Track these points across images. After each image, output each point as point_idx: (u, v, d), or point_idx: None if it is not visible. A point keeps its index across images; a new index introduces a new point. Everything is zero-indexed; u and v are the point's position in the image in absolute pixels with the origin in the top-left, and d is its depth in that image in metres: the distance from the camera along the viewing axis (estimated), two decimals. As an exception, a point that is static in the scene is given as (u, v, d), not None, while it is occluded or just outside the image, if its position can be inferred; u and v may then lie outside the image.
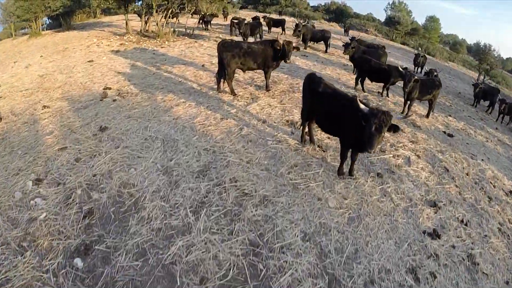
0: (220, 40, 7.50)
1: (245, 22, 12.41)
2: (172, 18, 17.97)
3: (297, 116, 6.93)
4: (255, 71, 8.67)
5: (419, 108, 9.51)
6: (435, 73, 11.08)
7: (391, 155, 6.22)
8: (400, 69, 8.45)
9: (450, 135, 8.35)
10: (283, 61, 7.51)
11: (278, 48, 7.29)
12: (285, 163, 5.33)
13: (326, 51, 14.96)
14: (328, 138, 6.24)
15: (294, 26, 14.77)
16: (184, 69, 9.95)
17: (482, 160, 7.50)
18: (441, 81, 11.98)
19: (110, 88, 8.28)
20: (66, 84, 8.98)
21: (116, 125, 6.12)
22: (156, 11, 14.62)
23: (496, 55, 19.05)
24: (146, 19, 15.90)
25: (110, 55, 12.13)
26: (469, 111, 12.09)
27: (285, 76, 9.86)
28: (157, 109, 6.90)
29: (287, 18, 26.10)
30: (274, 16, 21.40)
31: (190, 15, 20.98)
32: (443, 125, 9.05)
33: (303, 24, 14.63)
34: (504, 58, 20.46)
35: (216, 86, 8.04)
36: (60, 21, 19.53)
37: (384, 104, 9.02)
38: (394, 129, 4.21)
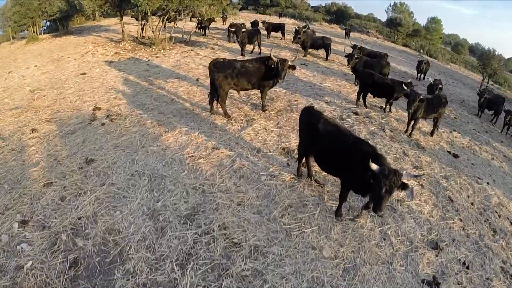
0: (212, 60, 7.08)
1: (243, 30, 11.91)
2: (170, 22, 17.50)
3: (294, 142, 6.56)
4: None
5: (423, 124, 9.06)
6: (440, 86, 10.58)
7: None
8: (405, 87, 7.99)
9: (455, 156, 7.95)
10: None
11: (272, 66, 6.85)
12: (279, 204, 4.97)
13: (326, 59, 14.47)
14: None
15: (294, 32, 14.26)
16: (178, 84, 9.55)
17: (488, 183, 7.14)
18: (444, 88, 11.64)
19: (99, 109, 7.99)
20: (56, 103, 8.70)
21: (103, 156, 5.81)
22: (152, 18, 14.15)
23: (500, 60, 18.39)
24: (142, 24, 15.43)
25: (104, 66, 11.80)
26: (474, 123, 11.62)
27: (283, 91, 9.44)
28: (145, 136, 6.57)
29: (287, 20, 25.57)
30: (274, 20, 20.77)
31: (189, 19, 20.48)
32: (448, 143, 8.63)
33: (303, 30, 14.11)
34: (506, 58, 19.81)
35: (209, 107, 7.64)
36: (52, 27, 19.13)
37: (387, 121, 8.59)
38: (403, 187, 3.76)
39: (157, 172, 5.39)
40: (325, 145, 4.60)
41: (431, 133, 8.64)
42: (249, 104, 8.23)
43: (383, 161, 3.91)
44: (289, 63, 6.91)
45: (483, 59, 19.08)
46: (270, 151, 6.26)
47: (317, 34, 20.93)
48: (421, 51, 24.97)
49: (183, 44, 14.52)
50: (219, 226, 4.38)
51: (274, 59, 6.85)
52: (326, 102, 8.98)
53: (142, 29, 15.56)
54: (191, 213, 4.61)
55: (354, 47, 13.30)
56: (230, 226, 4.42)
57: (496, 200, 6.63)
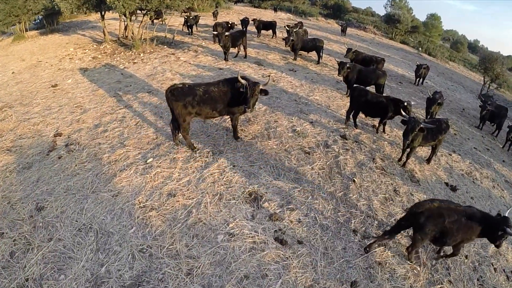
0: (170, 86, 5.58)
1: (226, 34, 10.21)
2: (157, 19, 15.74)
3: (264, 183, 5.16)
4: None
5: (419, 148, 7.57)
6: (439, 101, 8.94)
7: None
8: (403, 112, 6.41)
9: (454, 189, 6.60)
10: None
11: (241, 89, 5.35)
12: (234, 274, 3.84)
13: (318, 62, 12.75)
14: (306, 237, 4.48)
15: (286, 32, 12.51)
16: (147, 100, 8.09)
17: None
18: (443, 94, 10.02)
19: (60, 135, 6.93)
20: (20, 125, 7.58)
21: (53, 202, 4.99)
22: (131, 20, 12.46)
23: (503, 64, 16.44)
24: (125, 24, 13.72)
25: (77, 75, 10.45)
26: (474, 139, 10.07)
27: (262, 108, 7.93)
28: (99, 176, 5.47)
29: (282, 15, 23.51)
30: (265, 17, 18.79)
31: (180, 15, 18.59)
32: (446, 171, 7.23)
33: (294, 30, 12.34)
34: (505, 56, 17.86)
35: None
36: (42, 22, 17.46)
37: (378, 147, 7.17)
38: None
39: (105, 227, 4.48)
40: None
41: (428, 160, 7.22)
42: (220, 129, 6.77)
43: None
44: (261, 87, 5.38)
45: (485, 62, 17.11)
46: (233, 198, 4.94)
47: (312, 31, 19.06)
48: (420, 48, 22.85)
49: (165, 46, 12.84)
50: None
51: (242, 81, 5.35)
52: (311, 122, 7.49)
53: (125, 28, 13.85)
54: (135, 283, 3.76)
55: (348, 50, 11.60)
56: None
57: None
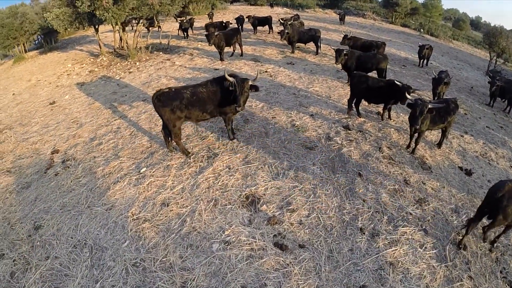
0: (155, 92, 5.27)
1: (216, 33, 9.82)
2: (151, 27, 15.54)
3: (262, 184, 4.79)
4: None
5: (429, 132, 7.02)
6: (446, 80, 8.31)
7: (386, 243, 4.02)
8: (407, 95, 5.83)
9: (469, 173, 6.03)
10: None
11: (230, 88, 4.99)
12: (230, 285, 3.52)
13: (317, 53, 12.21)
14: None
15: (281, 26, 12.04)
16: (142, 109, 7.84)
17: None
18: (450, 74, 9.34)
19: (57, 151, 6.87)
20: (19, 146, 7.59)
21: (49, 220, 4.90)
22: (124, 30, 12.27)
23: (508, 38, 15.38)
24: (120, 35, 13.56)
25: (74, 90, 10.40)
26: (486, 117, 9.36)
27: (260, 104, 7.52)
28: (93, 191, 5.32)
29: (279, 10, 23.01)
30: (260, 14, 18.30)
31: (175, 20, 18.34)
32: (459, 155, 6.64)
33: (288, 23, 11.86)
34: (508, 29, 16.72)
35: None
36: (42, 42, 17.58)
37: (385, 134, 6.63)
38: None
39: (99, 242, 4.35)
40: None
41: (439, 144, 6.64)
42: (215, 130, 6.42)
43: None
44: (250, 83, 4.99)
45: (490, 37, 16.08)
46: (229, 203, 4.59)
47: (310, 23, 18.47)
48: (421, 30, 21.85)
49: (161, 53, 12.59)
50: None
51: (230, 79, 4.99)
52: (311, 115, 7.03)
53: (120, 39, 13.70)
54: None
55: (344, 37, 11.04)
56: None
57: None
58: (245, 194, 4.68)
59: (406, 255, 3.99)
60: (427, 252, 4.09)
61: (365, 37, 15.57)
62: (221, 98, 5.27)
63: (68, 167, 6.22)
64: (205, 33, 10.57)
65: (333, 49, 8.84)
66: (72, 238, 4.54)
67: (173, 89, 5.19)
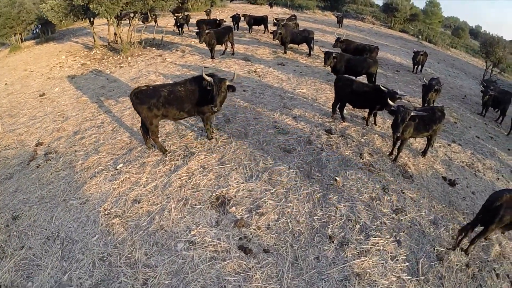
0: (134, 89, 5.21)
1: (206, 31, 9.71)
2: (146, 21, 15.43)
3: (235, 185, 4.73)
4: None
5: (414, 140, 6.90)
6: (436, 87, 8.18)
7: (355, 253, 3.93)
8: (390, 101, 5.67)
9: (452, 183, 5.87)
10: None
11: (208, 87, 4.92)
12: (190, 285, 3.50)
13: (309, 54, 12.10)
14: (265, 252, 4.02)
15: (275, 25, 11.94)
16: (127, 105, 7.76)
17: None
18: (444, 81, 9.20)
19: (41, 144, 6.87)
20: (5, 137, 7.56)
21: (27, 211, 4.96)
22: (119, 24, 12.16)
23: (505, 48, 15.27)
24: (114, 29, 13.45)
25: (65, 83, 10.31)
26: (477, 127, 9.27)
27: (244, 104, 7.43)
28: (70, 184, 5.34)
29: (278, 10, 22.89)
30: (256, 13, 18.17)
31: (173, 16, 18.20)
32: (444, 164, 6.50)
33: (282, 23, 11.76)
34: (507, 40, 16.58)
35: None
36: (39, 32, 17.47)
37: (368, 140, 6.54)
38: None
39: (70, 235, 4.41)
40: None
41: (424, 153, 6.49)
42: (195, 129, 6.33)
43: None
44: (228, 83, 4.91)
45: (487, 46, 15.94)
46: (199, 203, 4.54)
47: (307, 24, 18.33)
48: (420, 36, 21.72)
49: (154, 48, 12.48)
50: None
51: (208, 79, 4.90)
52: (294, 118, 6.94)
53: (115, 33, 13.58)
54: None
55: (337, 40, 10.95)
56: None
57: (497, 249, 4.69)
58: (216, 195, 4.60)
59: (375, 266, 3.89)
60: (398, 265, 3.97)
61: (362, 41, 15.48)
62: (199, 98, 5.19)
63: (50, 160, 6.21)
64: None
65: (323, 51, 8.74)
66: (46, 229, 4.58)
67: (151, 87, 5.13)
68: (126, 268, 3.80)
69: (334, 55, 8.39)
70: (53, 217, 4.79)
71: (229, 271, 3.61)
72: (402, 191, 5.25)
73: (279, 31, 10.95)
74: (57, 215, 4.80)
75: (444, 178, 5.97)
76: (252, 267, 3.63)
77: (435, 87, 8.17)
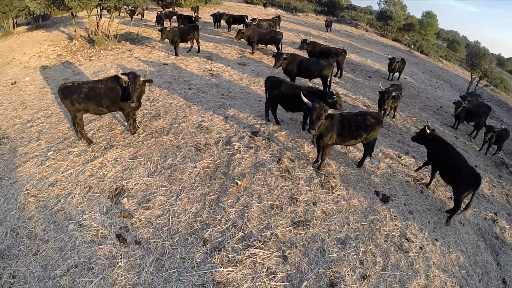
0: (61, 85, 5.85)
1: (168, 28, 10.28)
2: (133, 14, 16.10)
3: (136, 179, 5.27)
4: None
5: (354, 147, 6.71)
6: (393, 94, 7.93)
7: (224, 261, 4.06)
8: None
9: (385, 200, 5.48)
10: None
11: (124, 85, 5.50)
12: (67, 261, 4.06)
13: (277, 55, 12.50)
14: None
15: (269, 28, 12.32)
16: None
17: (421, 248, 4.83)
18: (421, 91, 8.94)
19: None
20: None
21: None
22: (100, 16, 12.83)
23: (491, 60, 15.20)
24: (96, 21, 14.18)
25: (36, 73, 11.04)
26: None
27: (181, 101, 7.92)
28: (9, 166, 6.00)
29: (272, 10, 23.25)
30: (235, 12, 18.59)
31: (163, 11, 18.86)
32: (384, 178, 6.13)
33: (254, 23, 12.19)
34: (505, 58, 16.47)
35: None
36: (28, 19, 18.38)
37: (296, 145, 6.53)
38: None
39: None
40: None
41: (359, 164, 6.24)
42: (126, 124, 6.88)
43: None
44: (141, 79, 5.51)
45: (472, 58, 15.88)
46: (100, 191, 5.09)
47: (294, 26, 18.67)
48: (412, 46, 21.75)
49: (128, 42, 13.14)
50: (9, 274, 3.93)
51: (123, 77, 5.48)
52: (226, 117, 7.31)
53: (97, 25, 14.30)
54: (1, 255, 4.19)
55: (303, 41, 11.21)
56: (18, 276, 3.91)
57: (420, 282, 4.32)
58: (116, 186, 5.12)
59: (243, 279, 3.79)
60: (273, 283, 3.81)
61: (346, 46, 15.74)
62: (118, 95, 5.75)
63: (1, 144, 6.82)
64: (158, 27, 11.03)
65: (273, 52, 9.07)
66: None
67: (76, 84, 5.74)
68: (26, 239, 4.37)
69: (284, 56, 8.52)
70: (-13, 193, 5.30)
71: (100, 255, 4.07)
72: (314, 203, 5.06)
73: (242, 31, 11.35)
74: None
75: (377, 193, 5.66)
76: (120, 255, 4.06)
77: (392, 94, 7.96)
